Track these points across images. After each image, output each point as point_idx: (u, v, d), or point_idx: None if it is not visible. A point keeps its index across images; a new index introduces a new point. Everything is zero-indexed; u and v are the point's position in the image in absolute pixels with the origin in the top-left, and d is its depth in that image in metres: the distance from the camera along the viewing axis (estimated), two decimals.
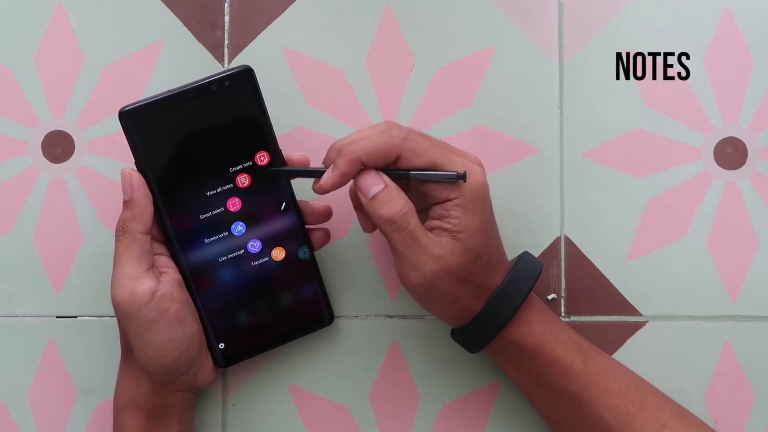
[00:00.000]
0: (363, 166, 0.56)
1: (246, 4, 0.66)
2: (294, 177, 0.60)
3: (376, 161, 0.56)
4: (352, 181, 0.57)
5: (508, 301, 0.58)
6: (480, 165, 0.58)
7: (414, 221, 0.56)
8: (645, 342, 0.65)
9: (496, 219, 0.60)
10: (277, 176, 0.59)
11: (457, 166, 0.56)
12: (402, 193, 0.56)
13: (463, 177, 0.56)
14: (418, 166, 0.56)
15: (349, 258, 0.65)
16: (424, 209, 0.59)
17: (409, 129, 0.57)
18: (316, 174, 0.57)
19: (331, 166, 0.56)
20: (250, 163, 0.59)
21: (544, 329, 0.59)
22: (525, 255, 0.61)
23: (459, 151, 0.59)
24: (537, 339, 0.59)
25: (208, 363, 0.62)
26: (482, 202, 0.57)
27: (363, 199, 0.56)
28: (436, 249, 0.56)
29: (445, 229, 0.56)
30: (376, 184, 0.56)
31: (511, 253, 0.63)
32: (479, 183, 0.57)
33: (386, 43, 0.66)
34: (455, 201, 0.56)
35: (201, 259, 0.60)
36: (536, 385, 0.61)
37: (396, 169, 0.57)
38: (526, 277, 0.59)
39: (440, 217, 0.57)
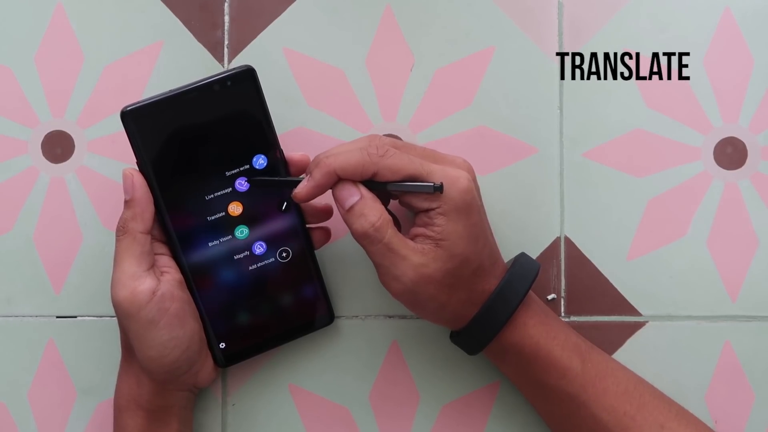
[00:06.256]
0: (339, 179, 0.57)
1: (246, 4, 0.66)
2: (272, 187, 0.60)
3: (351, 176, 0.56)
4: None
5: (505, 303, 0.58)
6: (466, 169, 0.58)
7: (389, 233, 0.56)
8: (645, 342, 0.65)
9: (491, 221, 0.60)
10: (258, 186, 0.60)
11: (436, 177, 0.56)
12: (377, 205, 0.57)
13: (439, 189, 0.56)
14: (393, 181, 0.56)
15: (349, 258, 0.65)
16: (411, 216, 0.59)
17: (389, 144, 0.57)
18: (293, 184, 0.58)
19: (307, 177, 0.57)
20: (247, 166, 0.59)
21: (542, 331, 0.59)
22: (522, 256, 0.61)
23: (443, 157, 0.59)
24: (534, 341, 0.59)
25: (208, 362, 0.62)
26: (467, 209, 0.57)
27: (340, 211, 0.57)
28: (416, 258, 0.56)
29: (428, 237, 0.56)
30: (351, 195, 0.56)
31: (511, 253, 0.64)
32: (462, 189, 0.56)
33: (386, 43, 0.66)
34: (437, 210, 0.56)
35: (201, 259, 0.60)
36: (534, 386, 0.61)
37: (374, 182, 0.57)
38: (522, 279, 0.59)
39: (424, 225, 0.57)
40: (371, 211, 0.56)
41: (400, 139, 0.65)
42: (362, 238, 0.56)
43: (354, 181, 0.57)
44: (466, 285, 0.58)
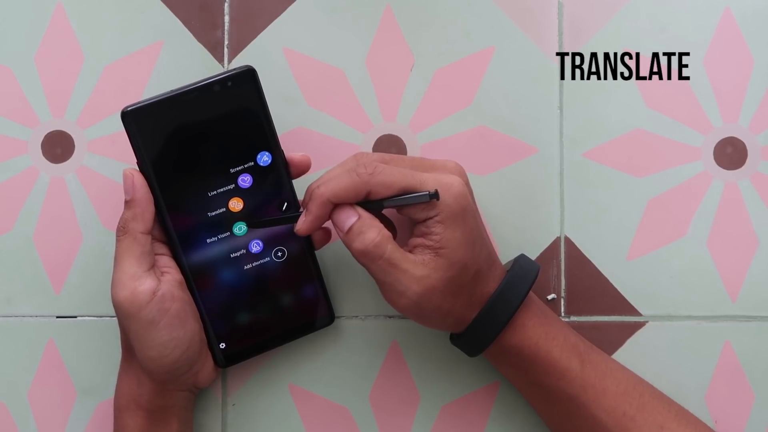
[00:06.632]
0: (335, 205, 0.57)
1: (246, 4, 0.66)
2: (273, 225, 0.60)
3: (345, 200, 0.57)
4: None
5: (505, 304, 0.58)
6: (458, 173, 0.59)
7: (389, 248, 0.56)
8: (645, 342, 0.65)
9: (491, 221, 0.60)
10: (260, 226, 0.60)
11: (429, 185, 0.56)
12: (375, 222, 0.57)
13: (435, 196, 0.56)
14: (389, 196, 0.56)
15: (349, 258, 0.64)
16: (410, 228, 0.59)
17: (377, 160, 0.57)
18: (294, 220, 0.58)
19: (304, 211, 0.57)
20: (252, 163, 0.59)
21: (541, 332, 0.59)
22: (521, 258, 0.61)
23: (433, 164, 0.59)
24: (533, 342, 0.59)
25: (208, 362, 0.62)
26: (463, 214, 0.57)
27: (339, 234, 0.57)
28: (419, 270, 0.56)
29: (427, 246, 0.57)
30: (349, 217, 0.57)
31: (511, 253, 0.64)
32: (456, 195, 0.56)
33: (386, 43, 0.66)
34: (435, 218, 0.56)
35: (202, 259, 0.60)
36: (534, 387, 0.61)
37: (370, 201, 0.57)
38: (523, 280, 0.59)
39: (422, 235, 0.57)
40: (369, 228, 0.56)
41: (401, 140, 0.65)
42: (363, 256, 0.57)
43: (350, 204, 0.57)
44: (466, 290, 0.58)
